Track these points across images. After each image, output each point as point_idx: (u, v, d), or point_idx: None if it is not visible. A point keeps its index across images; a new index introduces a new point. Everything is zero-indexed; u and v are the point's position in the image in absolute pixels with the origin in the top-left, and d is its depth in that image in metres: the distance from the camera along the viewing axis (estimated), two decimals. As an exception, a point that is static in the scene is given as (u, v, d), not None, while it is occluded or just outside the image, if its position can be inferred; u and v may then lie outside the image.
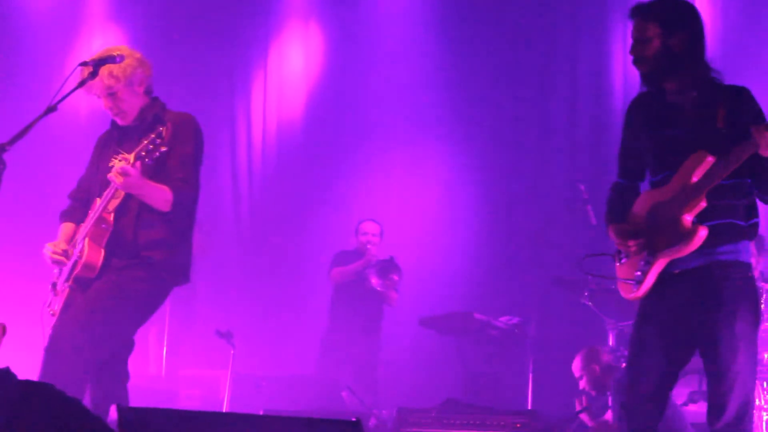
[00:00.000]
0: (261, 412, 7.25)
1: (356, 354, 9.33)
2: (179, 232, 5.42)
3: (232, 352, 8.25)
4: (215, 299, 10.35)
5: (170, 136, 5.22)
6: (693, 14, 4.68)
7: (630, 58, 4.74)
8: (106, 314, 5.18)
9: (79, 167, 5.77)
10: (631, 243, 4.60)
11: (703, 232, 4.39)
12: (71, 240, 5.51)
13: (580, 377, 7.23)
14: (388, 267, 9.55)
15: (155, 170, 5.25)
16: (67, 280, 5.34)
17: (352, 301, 9.48)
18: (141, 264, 5.29)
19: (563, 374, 7.54)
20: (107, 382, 5.26)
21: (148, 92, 5.52)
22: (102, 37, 10.67)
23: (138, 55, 5.48)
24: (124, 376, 5.33)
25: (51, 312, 5.35)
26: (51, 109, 5.02)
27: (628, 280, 4.63)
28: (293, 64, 11.60)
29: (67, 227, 5.59)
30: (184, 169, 5.35)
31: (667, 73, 4.59)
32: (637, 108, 4.82)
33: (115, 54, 5.28)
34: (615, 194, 4.90)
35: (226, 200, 11.44)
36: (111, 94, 5.38)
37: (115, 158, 5.37)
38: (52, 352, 5.14)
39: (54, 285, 5.44)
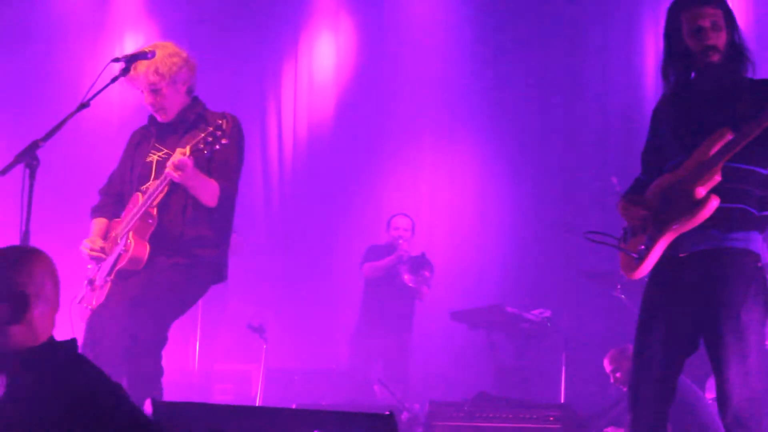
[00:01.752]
0: (293, 406, 7.27)
1: (388, 348, 9.34)
2: (222, 230, 5.46)
3: (264, 346, 8.28)
4: (247, 294, 10.38)
5: (230, 129, 5.21)
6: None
7: (661, 45, 4.69)
8: (150, 306, 5.21)
9: (112, 163, 5.80)
10: (637, 209, 4.54)
11: (714, 202, 4.29)
12: (105, 235, 5.53)
13: (615, 370, 7.17)
14: (419, 263, 9.56)
15: (199, 166, 5.27)
16: (108, 274, 5.36)
17: (384, 295, 9.49)
18: (186, 260, 5.32)
19: (596, 367, 7.50)
20: (142, 376, 5.28)
21: (189, 92, 5.54)
22: (133, 35, 10.72)
23: (184, 54, 5.50)
24: (159, 370, 5.36)
25: (89, 307, 5.37)
26: (83, 106, 5.06)
27: (631, 252, 4.54)
28: (324, 59, 11.61)
29: (100, 222, 5.62)
30: (229, 167, 5.39)
31: (730, 66, 4.53)
32: (663, 105, 4.78)
33: (147, 50, 5.31)
34: (634, 185, 4.86)
35: (258, 196, 11.46)
36: (154, 90, 5.40)
37: (154, 153, 5.41)
38: (93, 341, 5.17)
39: (91, 281, 5.46)
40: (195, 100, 5.57)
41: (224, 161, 5.35)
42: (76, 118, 5.05)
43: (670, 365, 4.51)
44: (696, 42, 4.52)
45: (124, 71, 5.28)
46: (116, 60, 5.29)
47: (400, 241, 9.54)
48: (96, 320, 5.24)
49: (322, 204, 11.23)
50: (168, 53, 5.42)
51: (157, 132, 5.56)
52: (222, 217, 5.43)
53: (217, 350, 9.75)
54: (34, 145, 4.83)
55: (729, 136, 4.32)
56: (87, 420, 3.11)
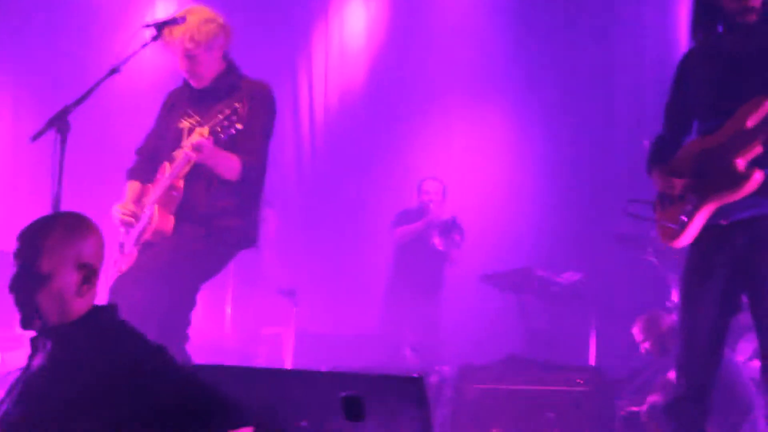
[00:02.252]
0: (324, 370, 7.32)
1: (418, 312, 9.37)
2: (247, 200, 5.46)
3: (294, 309, 8.32)
4: (279, 258, 10.41)
5: (246, 113, 5.23)
6: None
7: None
8: (174, 277, 5.23)
9: (143, 129, 5.82)
10: (676, 182, 4.54)
11: (758, 175, 4.28)
12: (138, 200, 5.57)
13: (644, 340, 7.18)
14: (450, 226, 9.54)
15: (226, 140, 5.29)
16: (136, 243, 5.41)
17: (414, 260, 9.51)
18: (210, 230, 5.34)
19: (625, 330, 7.50)
20: (167, 341, 5.31)
21: (225, 57, 5.53)
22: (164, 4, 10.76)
23: (221, 20, 5.46)
24: (184, 336, 5.39)
25: (119, 272, 5.42)
26: (114, 71, 5.09)
27: (671, 224, 4.54)
28: (355, 24, 11.59)
29: (134, 186, 5.65)
30: (254, 140, 5.38)
31: (765, 26, 4.51)
32: (690, 60, 4.74)
33: (179, 16, 5.32)
34: (657, 144, 4.83)
35: (290, 161, 11.48)
36: (189, 57, 5.40)
37: (187, 119, 5.43)
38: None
39: (122, 245, 5.51)
40: (230, 66, 5.56)
41: (249, 134, 5.33)
42: (107, 83, 5.08)
43: (718, 330, 4.52)
44: (735, 2, 4.48)
45: (156, 38, 5.29)
46: (148, 26, 5.31)
47: (431, 205, 9.55)
48: (120, 286, 5.24)
49: (353, 169, 11.23)
50: (204, 19, 5.40)
51: (191, 97, 5.57)
52: (248, 188, 5.44)
53: (249, 314, 9.80)
54: (66, 111, 4.86)
55: (767, 105, 4.30)
56: (134, 386, 3.09)
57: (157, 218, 5.32)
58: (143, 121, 5.91)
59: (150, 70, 9.99)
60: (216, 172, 5.30)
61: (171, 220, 5.34)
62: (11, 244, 3.28)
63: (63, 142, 4.81)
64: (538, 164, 10.68)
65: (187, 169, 5.32)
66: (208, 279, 5.48)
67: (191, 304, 5.41)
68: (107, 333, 3.24)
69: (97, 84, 5.01)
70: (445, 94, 11.12)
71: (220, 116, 5.12)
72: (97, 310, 3.28)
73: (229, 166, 5.30)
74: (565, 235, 10.20)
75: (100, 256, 3.32)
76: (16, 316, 3.27)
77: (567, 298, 8.99)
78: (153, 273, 5.21)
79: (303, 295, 8.51)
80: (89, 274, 3.25)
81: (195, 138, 5.16)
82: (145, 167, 5.66)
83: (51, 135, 4.83)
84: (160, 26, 5.29)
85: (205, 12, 5.45)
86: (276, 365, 8.55)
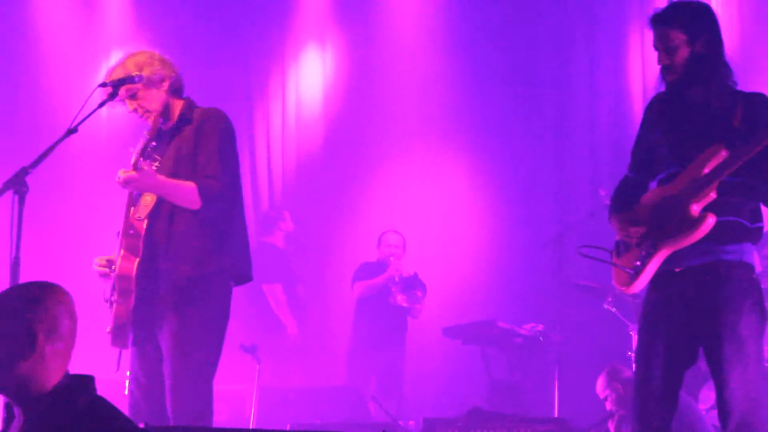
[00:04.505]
0: (287, 427, 7.27)
1: (381, 365, 9.34)
2: (217, 233, 5.26)
3: (257, 366, 8.26)
4: (239, 314, 10.34)
5: (194, 139, 5.19)
6: (711, 15, 4.69)
7: (648, 60, 4.75)
8: (205, 341, 5.30)
9: (100, 187, 5.78)
10: (632, 230, 4.60)
11: (711, 220, 4.36)
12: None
13: (605, 398, 7.20)
14: (412, 283, 9.53)
15: (186, 170, 5.20)
16: (111, 294, 5.28)
17: (376, 313, 9.48)
18: (188, 292, 5.22)
19: (589, 380, 7.51)
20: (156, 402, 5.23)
21: (176, 91, 5.43)
22: (120, 54, 10.70)
23: (157, 55, 5.41)
24: (209, 399, 5.26)
25: (107, 329, 5.27)
26: (71, 131, 5.04)
27: (626, 268, 4.59)
28: (311, 79, 11.62)
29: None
30: (211, 164, 5.20)
31: (694, 79, 4.59)
32: (656, 105, 4.82)
33: (134, 74, 5.26)
34: (622, 187, 4.91)
35: (248, 212, 11.42)
36: (131, 96, 5.30)
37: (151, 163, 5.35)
38: (137, 380, 5.21)
39: (108, 300, 5.35)
40: (189, 103, 5.45)
41: (205, 159, 5.22)
42: (65, 142, 5.04)
43: (671, 378, 4.56)
44: (659, 60, 4.64)
45: (112, 95, 5.24)
46: (103, 85, 5.26)
47: (392, 259, 9.53)
48: (139, 360, 5.25)
49: (312, 222, 11.22)
50: (135, 53, 5.39)
51: (156, 140, 5.48)
52: (214, 218, 5.24)
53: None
54: (23, 172, 4.81)
55: (723, 153, 4.37)
56: None
57: (120, 263, 5.14)
58: (100, 179, 5.86)
59: (107, 127, 9.95)
60: (173, 202, 5.16)
61: (134, 262, 5.12)
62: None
63: (21, 203, 4.76)
64: (498, 215, 10.72)
65: (148, 208, 5.18)
66: (224, 329, 5.51)
67: (215, 363, 5.39)
68: (83, 414, 3.20)
69: (55, 144, 4.96)
70: (403, 149, 11.17)
71: (143, 141, 5.05)
72: (73, 383, 3.26)
73: (184, 193, 5.14)
74: (526, 286, 10.23)
75: (74, 327, 3.30)
76: None
77: (530, 349, 9.00)
78: (197, 347, 5.23)
79: (264, 350, 8.44)
80: (66, 346, 3.24)
81: (121, 173, 5.06)
82: None
83: (8, 197, 4.79)
84: (117, 84, 5.24)
85: (137, 52, 5.43)
86: (240, 424, 8.47)
